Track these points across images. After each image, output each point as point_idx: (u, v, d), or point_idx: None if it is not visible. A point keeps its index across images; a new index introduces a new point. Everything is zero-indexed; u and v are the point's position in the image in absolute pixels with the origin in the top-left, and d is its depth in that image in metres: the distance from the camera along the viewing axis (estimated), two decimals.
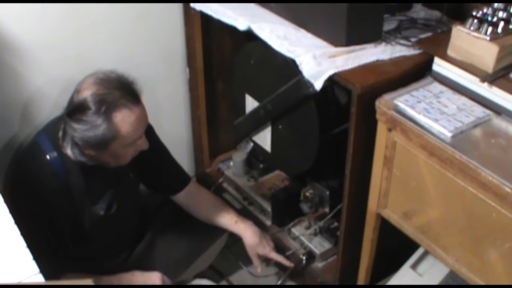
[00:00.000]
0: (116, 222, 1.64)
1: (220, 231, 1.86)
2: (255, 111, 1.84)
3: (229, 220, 1.81)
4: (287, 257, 1.89)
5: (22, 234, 1.04)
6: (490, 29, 1.34)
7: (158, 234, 1.81)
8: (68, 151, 1.46)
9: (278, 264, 1.98)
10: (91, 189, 1.55)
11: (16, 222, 1.06)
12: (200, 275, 1.89)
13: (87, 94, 1.39)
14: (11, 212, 1.09)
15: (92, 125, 1.39)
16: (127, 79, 1.46)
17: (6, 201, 1.12)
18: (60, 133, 1.47)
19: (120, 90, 1.42)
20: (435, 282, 1.61)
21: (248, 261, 2.04)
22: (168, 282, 1.66)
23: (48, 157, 1.48)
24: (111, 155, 1.47)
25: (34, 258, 1.00)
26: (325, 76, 1.45)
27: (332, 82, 1.48)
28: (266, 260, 1.86)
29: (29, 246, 1.02)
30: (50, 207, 1.48)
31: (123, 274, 1.63)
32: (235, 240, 1.94)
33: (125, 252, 1.77)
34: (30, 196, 1.47)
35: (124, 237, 1.75)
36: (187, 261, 1.81)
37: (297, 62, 1.51)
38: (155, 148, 1.66)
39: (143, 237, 1.80)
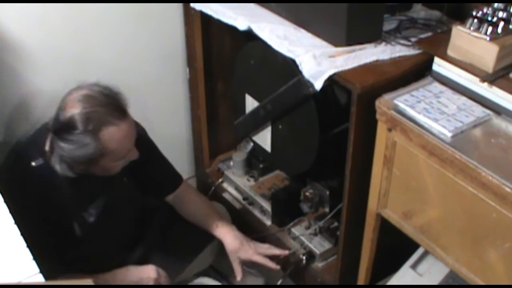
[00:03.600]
0: (112, 227, 1.63)
1: None
2: (255, 111, 1.84)
3: (211, 224, 1.78)
4: (287, 257, 1.89)
5: (22, 234, 1.04)
6: (490, 29, 1.34)
7: (156, 234, 1.80)
8: (57, 166, 1.44)
9: (278, 264, 1.98)
10: (79, 196, 1.53)
11: (16, 222, 1.06)
12: (202, 274, 1.89)
13: (73, 112, 1.37)
14: (11, 212, 1.09)
15: (80, 145, 1.38)
16: (112, 92, 1.43)
17: (6, 201, 1.13)
18: (47, 146, 1.46)
19: (106, 107, 1.39)
20: (435, 282, 1.61)
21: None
22: (163, 274, 1.65)
23: (33, 164, 1.47)
24: (101, 169, 1.47)
25: (34, 258, 1.00)
26: (325, 76, 1.45)
27: (332, 82, 1.48)
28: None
29: (29, 246, 1.02)
30: (36, 213, 1.45)
31: (118, 269, 1.62)
32: None
33: (124, 253, 1.77)
34: (17, 201, 1.45)
35: (122, 240, 1.74)
36: (185, 260, 1.80)
37: (297, 62, 1.51)
38: (148, 152, 1.65)
39: (141, 238, 1.80)
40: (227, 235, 1.76)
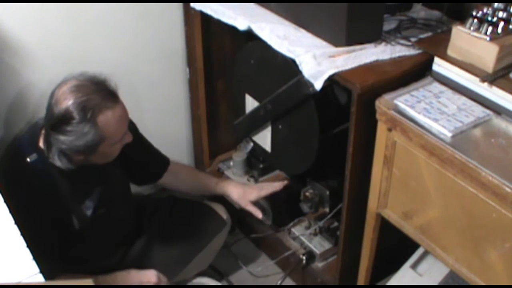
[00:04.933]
0: (108, 221, 1.64)
1: (218, 228, 1.87)
2: (255, 111, 1.84)
3: (209, 184, 1.87)
4: (287, 257, 1.89)
5: (22, 234, 1.04)
6: (490, 29, 1.34)
7: (155, 233, 1.81)
8: (56, 161, 1.45)
9: (278, 264, 1.98)
10: (76, 189, 1.54)
11: (16, 222, 1.06)
12: (201, 274, 1.89)
13: (67, 104, 1.38)
14: (11, 212, 1.09)
15: (80, 134, 1.39)
16: (100, 78, 1.45)
17: (5, 200, 1.13)
18: (42, 142, 1.47)
19: (99, 93, 1.41)
20: (435, 282, 1.61)
21: (248, 261, 2.04)
22: (164, 279, 1.66)
23: (28, 160, 1.48)
24: (100, 155, 1.48)
25: (34, 258, 1.00)
26: (325, 76, 1.45)
27: (332, 82, 1.48)
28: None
29: (29, 246, 1.02)
30: (34, 210, 1.46)
31: (119, 272, 1.63)
32: (235, 240, 1.94)
33: (122, 251, 1.77)
34: (15, 198, 1.45)
35: (119, 236, 1.74)
36: (184, 259, 1.81)
37: (297, 62, 1.51)
38: (138, 143, 1.67)
39: (140, 237, 1.80)
40: (229, 186, 1.85)
